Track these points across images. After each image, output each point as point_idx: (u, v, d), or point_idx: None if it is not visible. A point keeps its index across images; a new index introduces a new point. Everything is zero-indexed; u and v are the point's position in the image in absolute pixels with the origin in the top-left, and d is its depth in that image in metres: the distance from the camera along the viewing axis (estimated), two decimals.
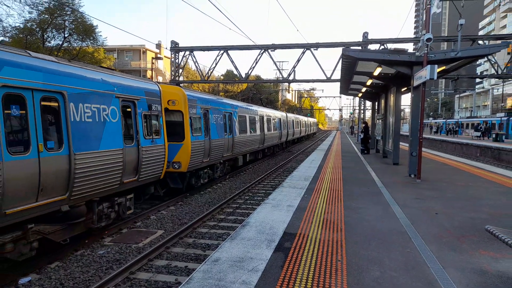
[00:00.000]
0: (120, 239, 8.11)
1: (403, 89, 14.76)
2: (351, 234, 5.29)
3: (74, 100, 6.70)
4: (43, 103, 6.02)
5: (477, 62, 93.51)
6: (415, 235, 5.28)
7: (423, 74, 9.64)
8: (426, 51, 9.76)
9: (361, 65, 13.28)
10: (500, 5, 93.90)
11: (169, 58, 29.47)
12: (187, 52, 28.81)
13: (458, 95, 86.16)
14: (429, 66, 9.04)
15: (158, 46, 40.54)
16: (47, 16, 25.30)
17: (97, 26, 28.59)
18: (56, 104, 6.35)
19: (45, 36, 26.08)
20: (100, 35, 29.18)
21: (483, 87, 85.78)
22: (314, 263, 4.19)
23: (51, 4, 25.06)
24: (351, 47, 20.65)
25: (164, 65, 47.02)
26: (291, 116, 35.80)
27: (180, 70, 29.64)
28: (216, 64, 28.29)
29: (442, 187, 9.42)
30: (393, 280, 3.79)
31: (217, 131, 14.21)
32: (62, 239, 6.85)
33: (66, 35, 25.87)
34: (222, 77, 49.87)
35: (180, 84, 29.61)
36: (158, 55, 33.59)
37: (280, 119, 28.70)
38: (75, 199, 6.79)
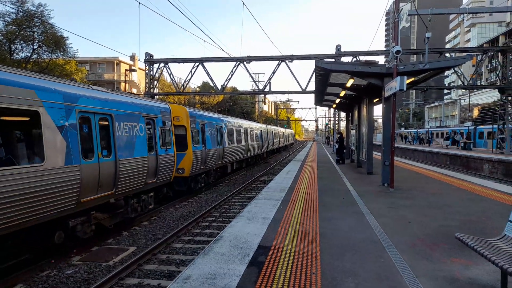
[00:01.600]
0: (89, 257, 7.76)
1: (375, 100, 15.12)
2: (326, 245, 5.26)
3: (118, 120, 8.85)
4: (100, 122, 8.18)
5: (445, 74, 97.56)
6: (389, 245, 5.30)
7: (393, 85, 9.90)
8: (395, 63, 10.05)
9: (334, 77, 13.52)
10: (464, 20, 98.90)
11: (143, 70, 29.08)
12: (162, 64, 28.54)
13: (427, 106, 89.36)
14: (398, 77, 9.29)
15: (132, 58, 40.00)
16: (14, 27, 24.54)
17: (67, 37, 27.92)
18: (107, 123, 8.50)
19: (13, 47, 25.25)
20: (71, 47, 28.53)
21: (451, 98, 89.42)
22: (289, 277, 4.10)
23: (19, 15, 24.33)
24: (325, 59, 21.04)
25: (138, 77, 46.40)
26: (270, 127, 38.47)
27: (155, 82, 29.27)
28: (191, 76, 28.15)
29: (415, 196, 9.60)
30: None
31: (211, 142, 16.55)
32: (109, 224, 9.09)
33: (35, 47, 25.06)
34: (198, 89, 49.68)
35: (155, 96, 29.22)
36: (132, 67, 33.09)
37: (261, 130, 30.83)
38: (118, 194, 8.87)
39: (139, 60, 28.24)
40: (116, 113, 8.79)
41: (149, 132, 10.58)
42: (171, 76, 28.80)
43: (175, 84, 29.32)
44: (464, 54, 27.22)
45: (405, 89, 9.29)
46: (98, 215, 8.54)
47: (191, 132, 14.25)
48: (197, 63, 27.69)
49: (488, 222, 6.71)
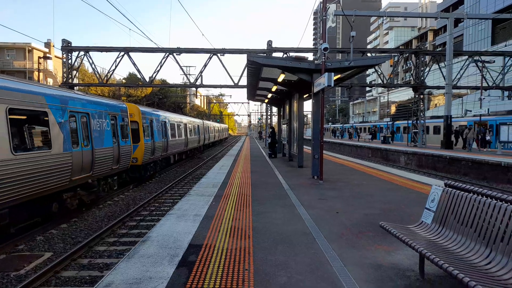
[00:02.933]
0: None
1: (305, 96, 15.60)
2: (259, 240, 5.20)
3: (93, 117, 11.07)
4: (81, 119, 10.42)
5: (367, 73, 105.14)
6: (319, 235, 5.42)
7: (321, 81, 10.23)
8: (324, 60, 10.40)
9: (266, 72, 13.63)
10: (383, 23, 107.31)
11: (60, 58, 26.51)
12: (82, 53, 26.36)
13: (352, 102, 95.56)
14: (326, 73, 9.62)
15: (48, 45, 36.21)
16: None
17: None
18: (85, 120, 10.71)
19: None
20: None
21: (372, 95, 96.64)
22: (221, 275, 3.94)
23: None
24: (257, 54, 21.18)
25: (54, 66, 42.27)
26: (206, 123, 41.19)
27: (74, 72, 26.93)
28: (116, 66, 26.48)
29: (341, 187, 10.08)
30: (299, 284, 3.75)
31: (158, 135, 18.80)
32: (87, 200, 11.23)
33: None
34: (124, 81, 46.89)
35: (75, 87, 26.93)
36: (48, 55, 29.96)
37: (198, 125, 33.16)
38: (94, 176, 11.12)
39: (54, 47, 25.62)
40: (92, 112, 11.11)
41: (113, 127, 12.71)
42: (93, 65, 26.76)
43: (97, 75, 27.27)
44: (384, 54, 29.47)
45: (332, 85, 9.65)
46: (80, 192, 10.79)
47: (142, 127, 16.54)
48: (122, 53, 26.11)
49: (406, 209, 7.25)
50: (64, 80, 26.39)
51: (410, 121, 30.98)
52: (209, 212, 6.89)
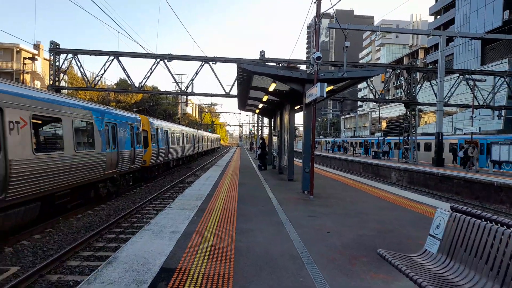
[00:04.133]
0: None
1: (296, 107, 15.17)
2: (241, 263, 4.63)
3: (119, 126, 14.07)
4: (112, 128, 13.43)
5: (359, 88, 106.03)
6: (308, 259, 4.88)
7: (313, 92, 9.80)
8: (317, 69, 9.99)
9: (257, 80, 13.20)
10: (375, 39, 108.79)
11: (49, 60, 25.77)
12: (70, 56, 25.65)
13: (343, 116, 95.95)
14: (319, 83, 9.19)
15: (36, 46, 35.43)
16: None
17: None
18: (114, 128, 13.69)
19: None
20: None
21: (364, 110, 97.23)
22: None
23: None
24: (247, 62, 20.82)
25: (43, 69, 41.31)
26: (201, 132, 44.95)
27: (62, 75, 26.17)
28: (105, 70, 25.84)
29: (333, 204, 9.56)
30: None
31: (161, 142, 21.94)
32: (113, 191, 14.16)
33: None
34: (114, 86, 46.13)
35: (62, 91, 26.16)
36: (36, 56, 29.15)
37: (193, 135, 36.49)
38: (117, 172, 13.96)
39: (44, 50, 24.92)
40: (118, 123, 14.08)
41: (131, 134, 15.54)
42: (81, 69, 26.00)
43: (86, 79, 26.54)
44: (377, 68, 29.39)
45: (325, 95, 9.23)
46: (108, 184, 13.57)
47: (150, 135, 19.63)
48: (111, 57, 25.47)
49: (403, 231, 6.74)
50: (51, 82, 25.60)
51: (401, 137, 30.82)
52: (189, 228, 6.28)
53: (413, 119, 29.46)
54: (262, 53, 24.84)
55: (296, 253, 5.14)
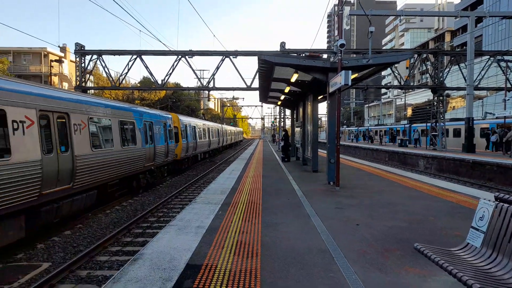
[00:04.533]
0: None
1: (319, 97, 14.84)
2: (268, 259, 4.50)
3: (154, 124, 15.71)
4: (149, 126, 15.13)
5: (382, 75, 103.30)
6: (338, 254, 4.69)
7: (338, 80, 9.49)
8: (340, 57, 9.65)
9: (279, 72, 12.97)
10: (398, 25, 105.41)
11: (74, 62, 26.45)
12: (95, 56, 26.21)
13: (367, 105, 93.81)
14: (343, 71, 8.88)
15: (63, 49, 36.41)
16: None
17: None
18: (150, 125, 15.26)
19: None
20: None
21: (387, 97, 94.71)
22: None
23: None
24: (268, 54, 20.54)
25: (69, 70, 42.48)
26: (225, 126, 46.79)
27: (88, 75, 26.79)
28: (128, 69, 26.23)
29: (360, 194, 9.28)
30: None
31: (190, 137, 24.12)
32: (151, 181, 15.94)
33: None
34: (138, 84, 46.85)
35: (88, 91, 26.80)
36: (62, 58, 29.95)
37: (218, 129, 38.27)
38: (154, 165, 15.67)
39: (70, 52, 25.54)
40: (153, 121, 15.74)
41: (164, 131, 17.09)
42: (106, 69, 26.56)
43: (110, 78, 27.04)
44: (404, 52, 28.36)
45: (349, 83, 8.91)
46: (147, 175, 15.38)
47: (180, 130, 21.69)
48: (134, 56, 25.83)
49: (436, 222, 6.42)
50: (78, 83, 26.26)
51: (428, 124, 29.72)
52: (214, 223, 6.22)
53: (441, 105, 28.33)
54: (282, 44, 24.47)
55: (325, 247, 4.96)
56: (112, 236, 8.79)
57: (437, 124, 28.35)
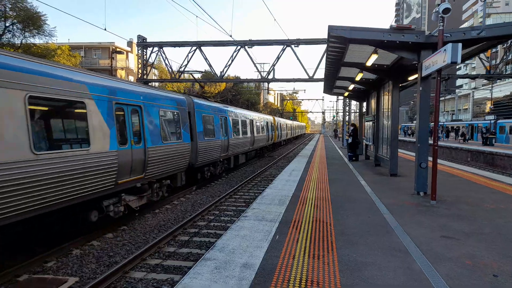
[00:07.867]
0: None
1: (401, 84, 12.24)
2: None
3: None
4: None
5: (457, 66, 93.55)
6: None
7: (438, 59, 7.05)
8: (442, 26, 7.17)
9: (351, 54, 10.70)
10: (478, 11, 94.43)
11: (137, 55, 26.41)
12: (156, 48, 25.81)
13: (442, 98, 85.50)
14: (450, 44, 6.42)
15: (130, 43, 37.11)
16: None
17: (45, 15, 24.47)
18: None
19: None
20: (47, 24, 24.80)
21: (463, 89, 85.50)
22: None
23: None
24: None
25: (135, 64, 43.59)
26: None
27: (149, 68, 26.57)
28: (188, 61, 25.43)
29: (469, 213, 6.76)
30: None
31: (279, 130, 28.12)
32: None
33: (7, 25, 21.82)
34: (199, 77, 46.71)
35: (149, 83, 26.55)
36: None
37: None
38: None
39: (137, 46, 25.38)
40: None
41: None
42: (166, 61, 26.04)
43: (170, 70, 26.52)
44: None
45: (459, 61, 6.45)
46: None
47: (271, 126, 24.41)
48: (194, 47, 24.93)
49: None
50: (139, 75, 26.13)
51: None
52: (268, 259, 4.31)
53: None
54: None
55: None
56: (154, 245, 7.45)
57: None
